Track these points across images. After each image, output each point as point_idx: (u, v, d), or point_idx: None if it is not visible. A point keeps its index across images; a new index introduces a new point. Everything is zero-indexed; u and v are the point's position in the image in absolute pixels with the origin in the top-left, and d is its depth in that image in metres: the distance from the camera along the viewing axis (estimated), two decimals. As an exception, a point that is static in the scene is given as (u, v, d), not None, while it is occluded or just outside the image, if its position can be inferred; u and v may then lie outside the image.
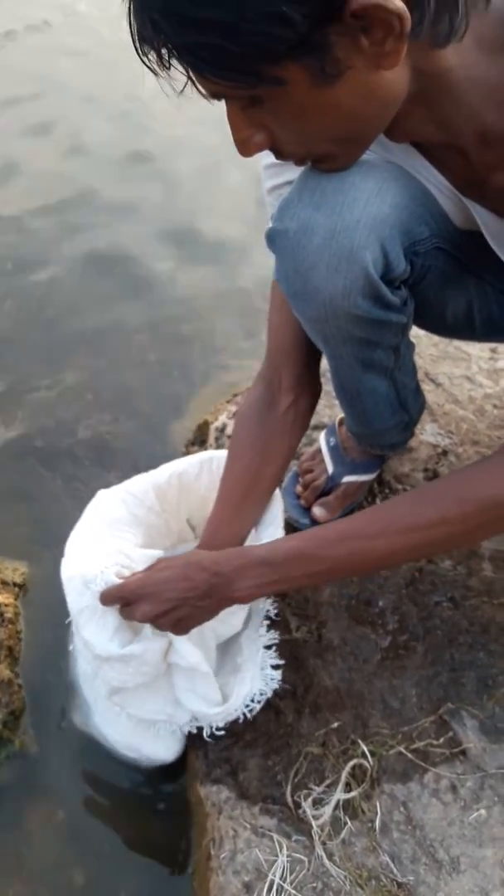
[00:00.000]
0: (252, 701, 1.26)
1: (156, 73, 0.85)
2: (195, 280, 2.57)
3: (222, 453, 1.39)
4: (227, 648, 1.35)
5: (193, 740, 1.32)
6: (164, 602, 1.13)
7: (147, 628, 1.19)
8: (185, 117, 3.33)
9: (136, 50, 0.85)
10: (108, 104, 3.64)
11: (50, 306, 2.45)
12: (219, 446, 1.78)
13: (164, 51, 0.82)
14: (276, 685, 1.30)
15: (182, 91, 0.88)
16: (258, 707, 1.27)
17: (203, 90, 0.87)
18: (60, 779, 1.40)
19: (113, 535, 1.31)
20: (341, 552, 1.12)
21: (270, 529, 1.35)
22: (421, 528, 1.09)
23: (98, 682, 1.27)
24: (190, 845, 1.30)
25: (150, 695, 1.26)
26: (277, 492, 1.39)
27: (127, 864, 1.31)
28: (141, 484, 1.37)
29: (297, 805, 1.22)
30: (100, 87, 3.78)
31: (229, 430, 1.81)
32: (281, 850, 1.16)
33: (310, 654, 1.39)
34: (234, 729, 1.30)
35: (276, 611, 1.40)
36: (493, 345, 1.97)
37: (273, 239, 1.11)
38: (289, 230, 1.08)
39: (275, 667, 1.31)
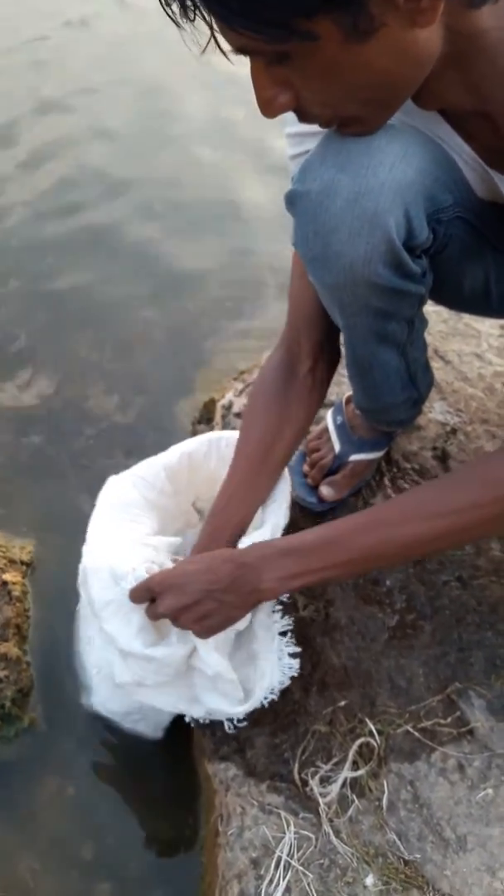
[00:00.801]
0: (272, 693, 1.26)
1: (178, 25, 0.82)
2: (202, 257, 2.55)
3: (231, 434, 1.39)
4: (240, 635, 1.34)
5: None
6: (188, 594, 1.10)
7: (173, 634, 1.18)
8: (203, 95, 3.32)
9: None
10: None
11: (55, 284, 2.43)
12: (225, 424, 1.78)
13: (189, 0, 0.79)
14: (294, 673, 1.28)
15: (205, 49, 0.85)
16: (276, 697, 1.26)
17: (227, 44, 0.84)
18: (69, 755, 1.41)
19: (131, 521, 1.30)
20: (370, 540, 1.10)
21: (274, 506, 1.34)
22: (450, 513, 1.07)
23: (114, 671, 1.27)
24: (198, 821, 1.31)
25: (167, 688, 1.24)
26: (286, 471, 1.39)
27: (135, 839, 1.32)
28: (152, 467, 1.36)
29: (305, 783, 1.23)
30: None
31: (236, 408, 1.80)
32: (288, 827, 1.17)
33: (317, 633, 1.39)
34: (242, 707, 1.31)
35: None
36: (503, 322, 1.95)
37: (293, 201, 1.09)
38: (311, 192, 1.04)
39: (292, 655, 1.29)
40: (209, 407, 1.90)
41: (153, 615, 1.15)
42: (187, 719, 1.28)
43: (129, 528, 1.28)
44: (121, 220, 2.72)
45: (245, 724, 1.27)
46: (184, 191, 2.87)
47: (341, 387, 1.76)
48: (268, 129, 1.25)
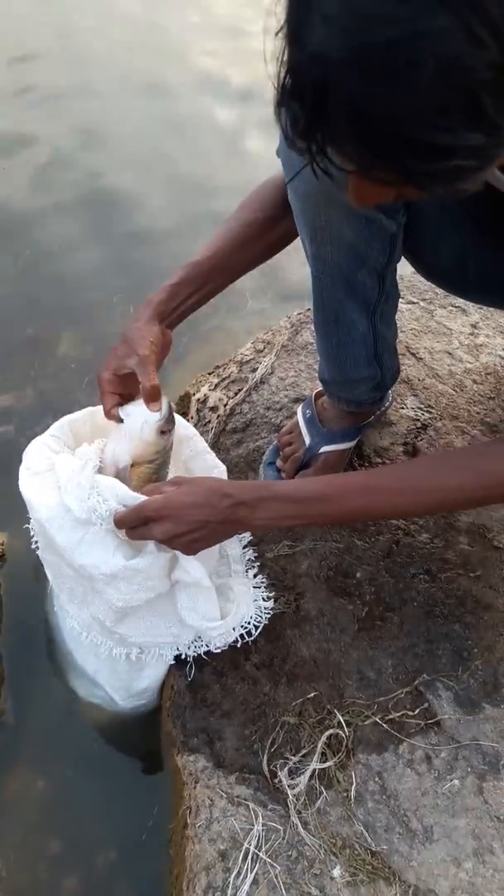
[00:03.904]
0: (247, 624, 1.31)
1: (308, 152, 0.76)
2: (183, 252, 2.55)
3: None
4: (219, 592, 1.36)
5: (172, 709, 1.33)
6: (186, 524, 1.13)
7: (151, 545, 1.20)
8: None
9: (292, 136, 0.76)
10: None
11: (33, 279, 2.42)
12: (200, 418, 1.78)
13: (365, 161, 0.74)
14: (269, 613, 1.36)
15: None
16: (256, 631, 1.32)
17: (350, 165, 0.78)
18: (39, 748, 1.41)
19: (49, 470, 1.29)
20: (360, 502, 1.16)
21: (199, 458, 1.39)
22: (439, 491, 1.15)
23: (102, 610, 1.28)
24: (167, 814, 1.31)
25: (155, 618, 1.29)
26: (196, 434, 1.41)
27: (103, 832, 1.32)
28: (58, 422, 1.36)
29: (273, 774, 1.23)
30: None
31: (211, 403, 1.80)
32: (256, 819, 1.17)
33: (287, 625, 1.39)
34: (212, 699, 1.31)
35: (256, 556, 1.45)
36: (474, 320, 1.97)
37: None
38: None
39: (266, 599, 1.37)
40: (184, 401, 1.90)
41: (142, 536, 1.16)
42: (169, 656, 1.33)
43: (52, 476, 1.27)
44: (104, 215, 2.72)
45: (219, 650, 1.31)
46: (176, 182, 2.87)
47: (314, 382, 1.77)
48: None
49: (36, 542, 1.34)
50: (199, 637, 1.32)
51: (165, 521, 1.13)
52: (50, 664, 1.48)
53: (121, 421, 1.25)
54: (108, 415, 1.25)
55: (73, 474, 1.20)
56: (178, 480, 1.21)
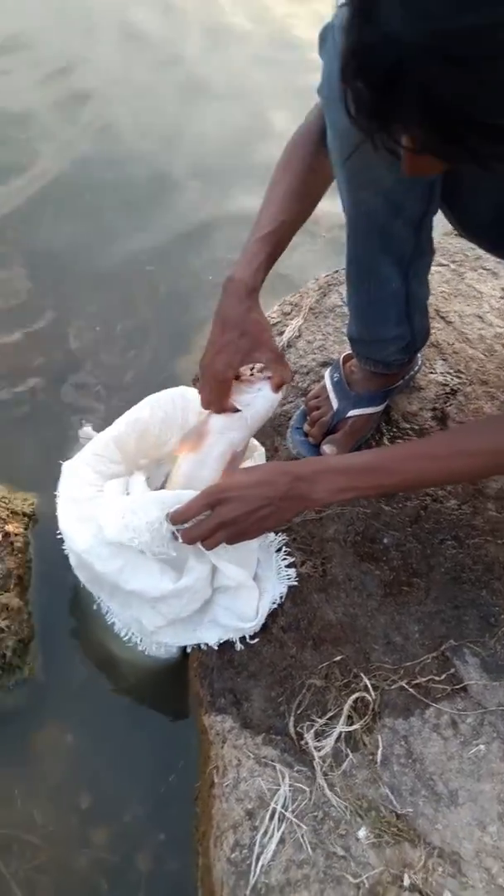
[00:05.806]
0: (274, 604, 1.39)
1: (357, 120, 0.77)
2: (205, 210, 2.53)
3: (169, 391, 1.42)
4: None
5: (199, 670, 1.34)
6: (250, 502, 1.17)
7: (191, 558, 1.27)
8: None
9: (356, 114, 0.76)
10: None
11: (59, 241, 2.41)
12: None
13: (431, 143, 0.75)
14: (292, 582, 1.41)
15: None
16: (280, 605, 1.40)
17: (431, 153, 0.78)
18: (68, 705, 1.43)
19: (91, 499, 1.35)
20: (411, 468, 1.20)
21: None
22: (487, 453, 1.17)
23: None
24: (194, 772, 1.33)
25: (188, 624, 1.35)
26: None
27: (131, 788, 1.35)
28: (102, 440, 1.39)
29: (300, 736, 1.25)
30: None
31: (238, 365, 1.80)
32: (283, 780, 1.19)
33: (314, 589, 1.40)
34: (239, 660, 1.33)
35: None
36: (504, 283, 1.95)
37: (325, 36, 1.08)
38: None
39: (288, 566, 1.42)
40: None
41: (208, 529, 1.19)
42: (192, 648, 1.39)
43: (94, 503, 1.32)
44: (130, 174, 2.69)
45: (256, 640, 1.35)
46: (198, 140, 2.84)
47: (343, 345, 1.77)
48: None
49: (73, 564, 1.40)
50: (222, 637, 1.37)
51: (230, 502, 1.17)
52: (79, 622, 1.50)
53: (235, 411, 1.29)
54: (224, 408, 1.29)
55: (114, 501, 1.28)
56: (241, 469, 1.28)
